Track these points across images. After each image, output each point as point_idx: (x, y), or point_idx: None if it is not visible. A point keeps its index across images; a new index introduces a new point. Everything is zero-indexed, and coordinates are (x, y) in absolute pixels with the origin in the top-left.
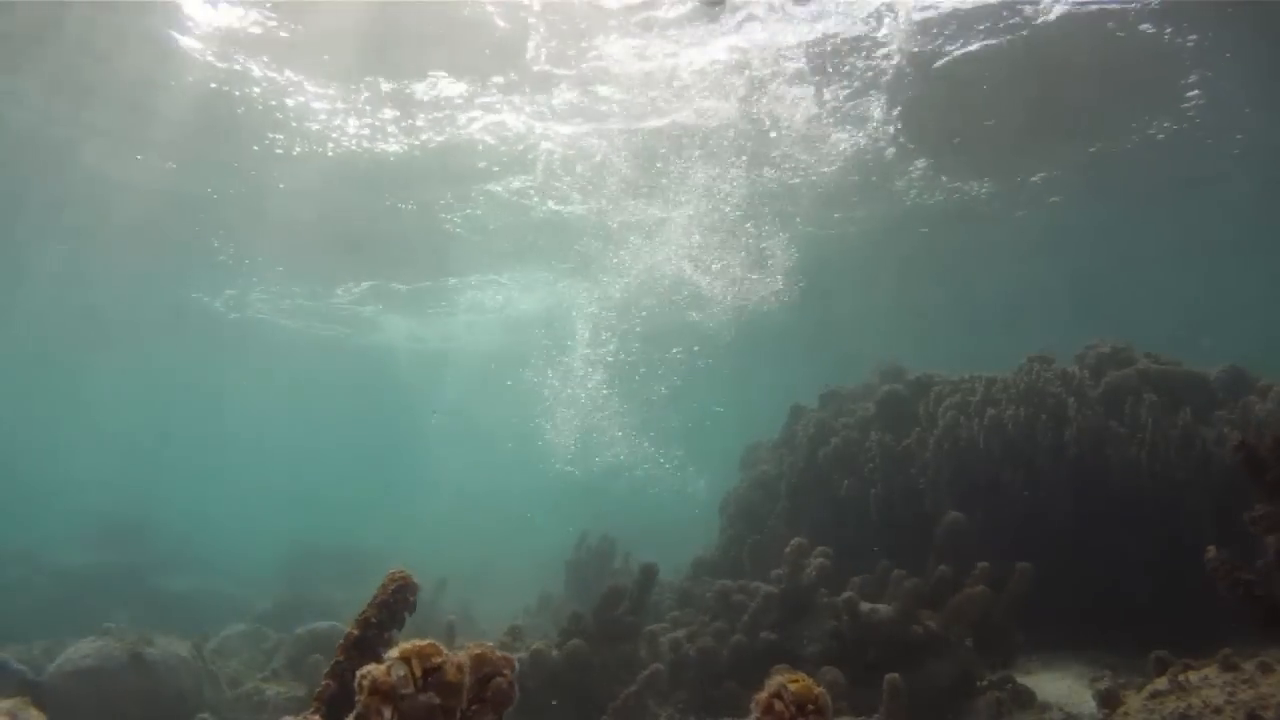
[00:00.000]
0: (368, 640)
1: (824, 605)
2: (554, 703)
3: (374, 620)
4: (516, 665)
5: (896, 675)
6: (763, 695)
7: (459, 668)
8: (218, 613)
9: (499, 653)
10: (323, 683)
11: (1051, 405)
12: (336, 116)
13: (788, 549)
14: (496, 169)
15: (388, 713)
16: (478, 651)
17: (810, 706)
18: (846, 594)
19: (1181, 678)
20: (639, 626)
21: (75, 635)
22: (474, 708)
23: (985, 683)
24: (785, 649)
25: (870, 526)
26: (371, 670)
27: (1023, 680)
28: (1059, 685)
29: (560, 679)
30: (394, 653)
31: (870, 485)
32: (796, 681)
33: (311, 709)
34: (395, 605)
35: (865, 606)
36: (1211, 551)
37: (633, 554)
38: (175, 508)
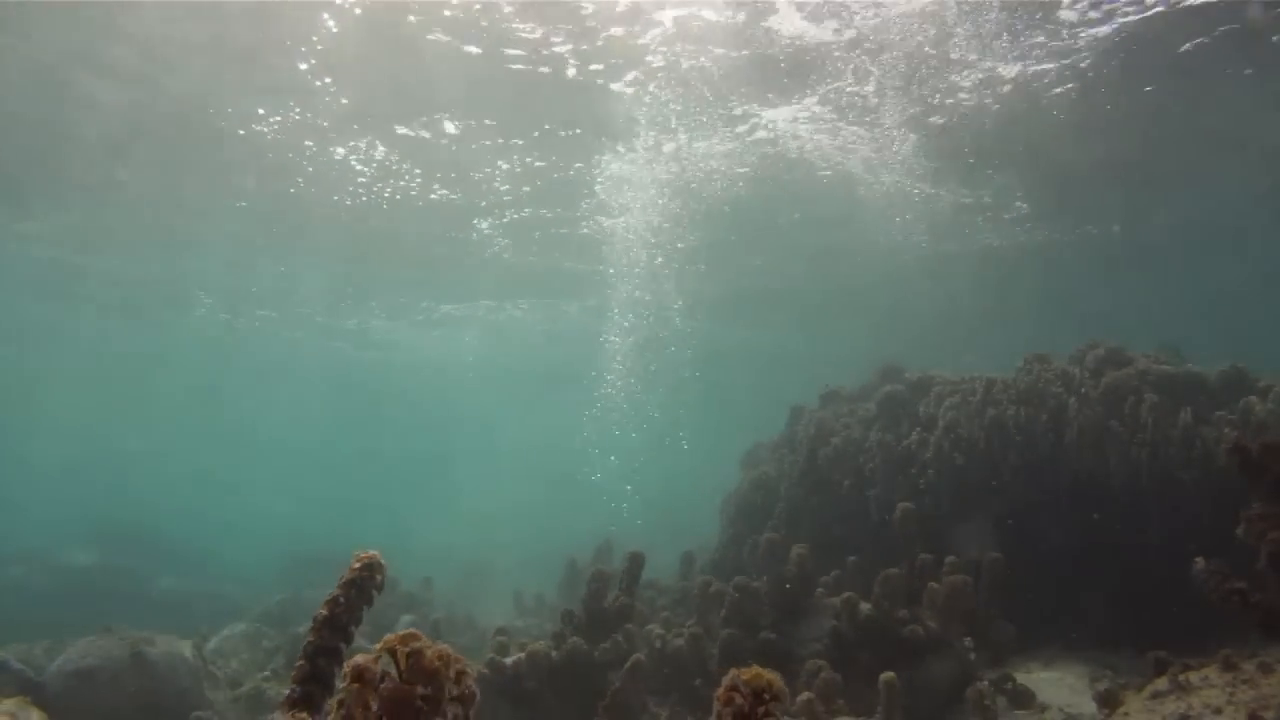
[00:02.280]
0: (337, 618)
1: (823, 605)
2: (551, 702)
3: (342, 599)
4: (473, 669)
5: (892, 675)
6: (721, 690)
7: (439, 656)
8: (218, 613)
9: (452, 653)
10: (297, 663)
11: (1052, 405)
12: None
13: (761, 545)
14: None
15: (372, 700)
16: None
17: (766, 694)
18: (846, 594)
19: (1181, 678)
20: (632, 609)
21: (76, 635)
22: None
23: (985, 683)
24: (779, 646)
25: (870, 527)
26: (356, 659)
27: (1023, 680)
28: (1059, 685)
29: (558, 679)
30: (379, 644)
31: (870, 485)
32: (749, 672)
33: (289, 691)
34: (363, 583)
35: (864, 607)
36: (1200, 563)
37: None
38: (177, 508)
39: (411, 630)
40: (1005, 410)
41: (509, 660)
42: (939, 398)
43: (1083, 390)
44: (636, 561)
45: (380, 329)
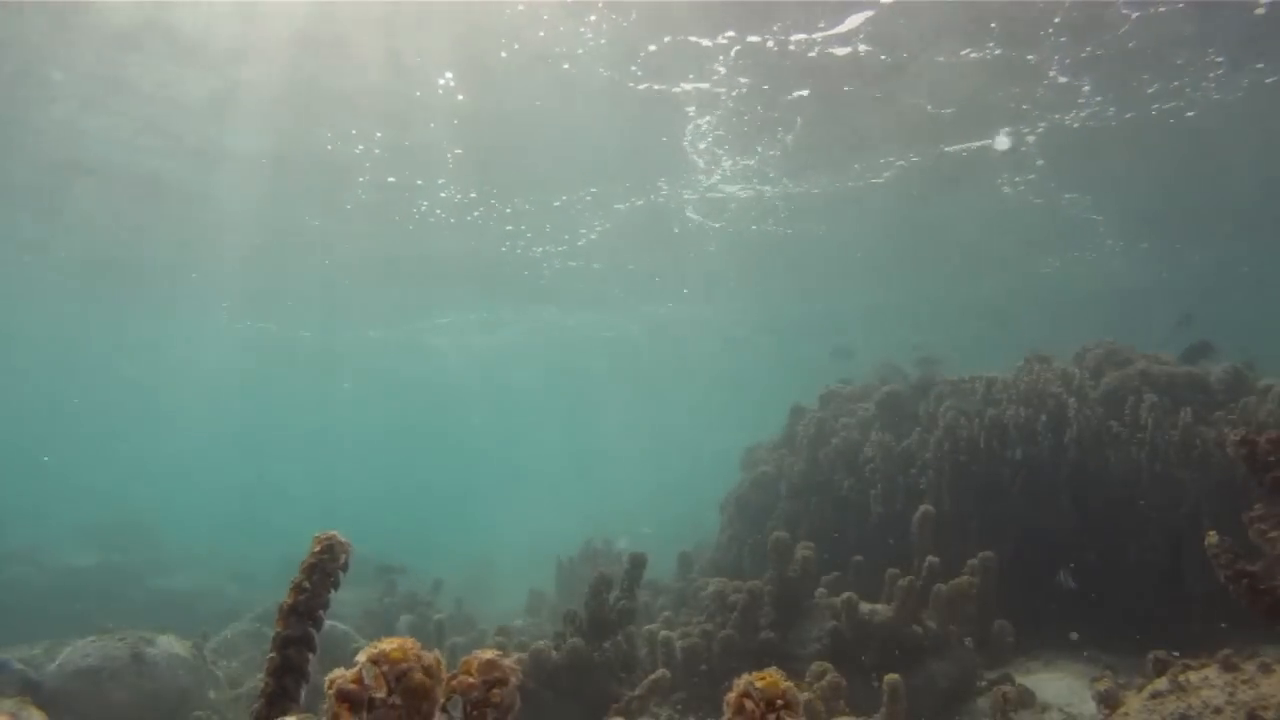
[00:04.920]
0: (302, 605)
1: (823, 604)
2: (553, 701)
3: (306, 584)
4: (520, 674)
5: (897, 676)
6: (732, 695)
7: (427, 671)
8: (218, 613)
9: (507, 661)
10: (268, 656)
11: (1052, 406)
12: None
13: (769, 544)
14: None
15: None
16: (488, 657)
17: (780, 702)
18: (846, 594)
19: (1181, 678)
20: (633, 612)
21: (75, 635)
22: (476, 713)
23: (984, 683)
24: (781, 648)
25: (871, 527)
26: (339, 675)
27: (1023, 680)
28: (1059, 685)
29: (559, 680)
30: (363, 656)
31: (871, 485)
32: (764, 678)
33: (262, 684)
34: (327, 566)
35: (865, 608)
36: (1213, 537)
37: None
38: (177, 508)
39: (399, 645)
40: (1005, 410)
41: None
42: (939, 398)
43: (1083, 391)
44: (638, 564)
45: (432, 333)
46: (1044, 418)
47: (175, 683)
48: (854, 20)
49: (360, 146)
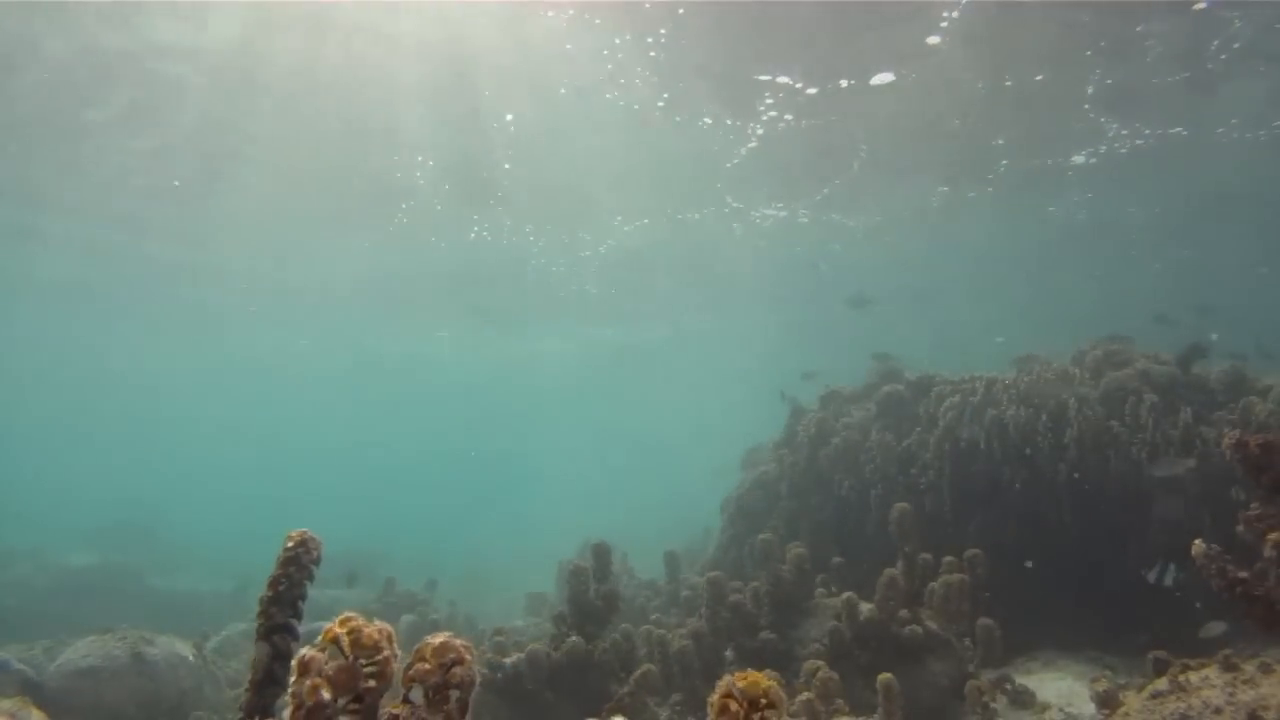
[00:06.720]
0: (283, 595)
1: (822, 604)
2: (553, 701)
3: (284, 578)
4: (475, 652)
5: (890, 676)
6: (715, 697)
7: (380, 630)
8: (218, 613)
9: (459, 641)
10: (256, 643)
11: (1052, 406)
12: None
13: (758, 545)
14: None
15: (323, 688)
16: (440, 640)
17: (763, 701)
18: (846, 594)
19: (1181, 678)
20: (616, 595)
21: (76, 635)
22: (437, 696)
23: (983, 679)
24: (780, 647)
25: (871, 527)
26: (302, 652)
27: (1023, 680)
28: (1059, 685)
29: (559, 679)
30: (321, 635)
31: (871, 486)
32: (747, 678)
33: (251, 674)
34: (301, 559)
35: (865, 608)
36: (1199, 546)
37: (629, 555)
38: (177, 507)
39: (348, 614)
40: (1006, 410)
41: (508, 660)
42: (939, 398)
43: (1083, 391)
44: (602, 552)
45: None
46: (1044, 418)
47: (175, 683)
48: (880, 79)
49: (418, 174)
